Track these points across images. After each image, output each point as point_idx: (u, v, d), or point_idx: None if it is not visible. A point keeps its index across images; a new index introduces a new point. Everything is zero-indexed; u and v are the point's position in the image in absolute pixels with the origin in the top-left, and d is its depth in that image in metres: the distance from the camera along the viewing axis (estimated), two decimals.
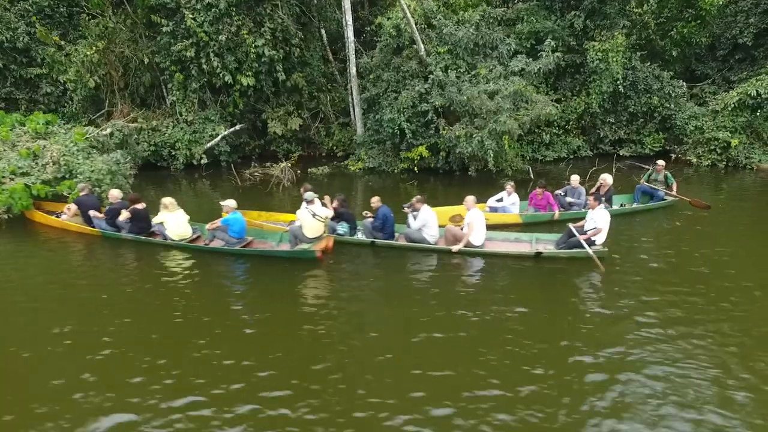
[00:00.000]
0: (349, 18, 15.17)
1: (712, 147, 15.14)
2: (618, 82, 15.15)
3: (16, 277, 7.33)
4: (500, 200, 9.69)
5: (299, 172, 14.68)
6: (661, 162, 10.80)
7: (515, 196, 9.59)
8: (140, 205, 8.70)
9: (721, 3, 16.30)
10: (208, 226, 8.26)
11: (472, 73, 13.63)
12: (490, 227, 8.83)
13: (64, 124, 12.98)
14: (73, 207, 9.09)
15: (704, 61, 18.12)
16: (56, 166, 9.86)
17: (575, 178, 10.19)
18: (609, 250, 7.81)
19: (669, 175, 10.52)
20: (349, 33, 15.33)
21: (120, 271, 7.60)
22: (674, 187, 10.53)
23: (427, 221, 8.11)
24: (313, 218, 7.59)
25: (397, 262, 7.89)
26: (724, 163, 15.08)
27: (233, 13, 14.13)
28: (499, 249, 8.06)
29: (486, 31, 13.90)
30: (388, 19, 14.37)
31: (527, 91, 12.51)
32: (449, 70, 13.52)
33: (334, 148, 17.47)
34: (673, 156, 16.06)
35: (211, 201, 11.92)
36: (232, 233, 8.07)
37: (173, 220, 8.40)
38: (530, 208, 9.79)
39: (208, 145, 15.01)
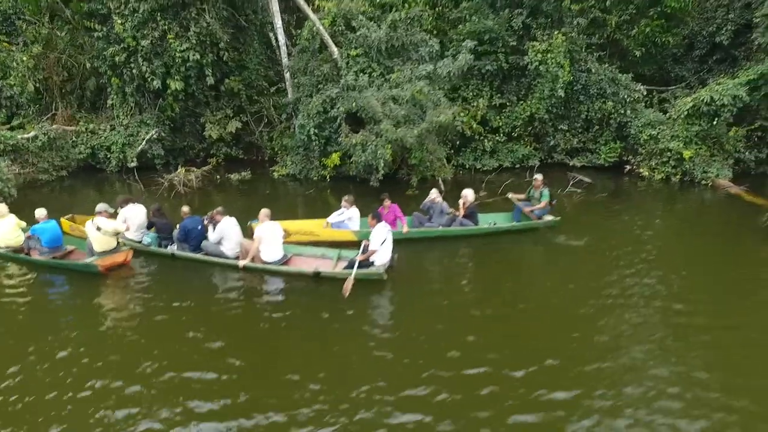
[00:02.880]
0: (278, 21, 14.89)
1: (665, 159, 13.52)
2: (559, 86, 13.83)
3: None
4: (342, 214, 9.03)
5: (218, 177, 14.60)
6: (538, 176, 9.67)
7: (354, 211, 8.91)
8: None
9: (687, 1, 14.47)
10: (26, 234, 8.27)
11: (386, 77, 12.93)
12: (327, 244, 8.31)
13: None
14: None
15: (682, 61, 16.29)
16: None
17: (434, 192, 9.33)
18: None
19: (545, 192, 9.37)
20: (280, 36, 15.06)
21: None
22: (543, 206, 9.37)
23: (225, 234, 7.71)
24: (96, 231, 7.37)
25: (188, 274, 7.56)
26: (679, 176, 13.41)
27: (158, 18, 14.23)
28: (283, 268, 7.54)
29: (403, 33, 13.10)
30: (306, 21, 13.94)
31: (424, 96, 11.62)
32: (362, 74, 12.91)
33: (278, 151, 17.24)
34: (627, 167, 14.53)
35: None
36: (45, 243, 8.01)
37: (1, 227, 8.45)
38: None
39: (138, 149, 15.24)
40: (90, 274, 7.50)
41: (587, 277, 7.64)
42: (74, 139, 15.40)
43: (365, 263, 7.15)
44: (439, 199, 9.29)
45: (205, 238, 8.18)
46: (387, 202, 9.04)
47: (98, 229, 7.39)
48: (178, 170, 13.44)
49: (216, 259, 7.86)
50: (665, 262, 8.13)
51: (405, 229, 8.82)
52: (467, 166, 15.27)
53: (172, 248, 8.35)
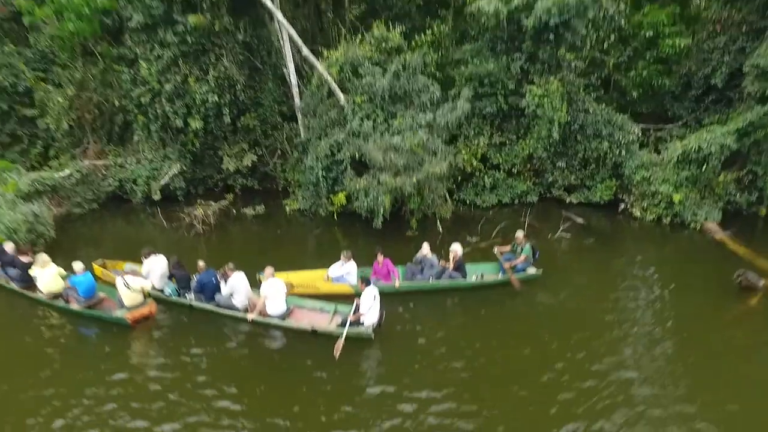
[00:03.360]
0: (291, 65, 15.90)
1: (657, 201, 14.12)
2: (555, 129, 14.52)
3: None
4: (342, 267, 9.99)
5: (235, 212, 15.72)
6: (519, 233, 10.47)
7: (351, 265, 9.87)
8: (25, 258, 10.09)
9: (682, 47, 14.98)
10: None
11: (389, 122, 13.84)
12: (325, 297, 9.30)
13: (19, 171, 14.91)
14: None
15: (680, 99, 16.77)
16: None
17: (425, 246, 10.23)
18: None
19: (527, 247, 10.17)
20: (292, 78, 16.07)
21: None
22: (522, 260, 10.16)
23: (235, 288, 8.76)
24: (125, 288, 8.49)
25: (204, 324, 8.66)
26: (669, 218, 14.00)
27: (180, 63, 15.42)
28: (285, 321, 8.55)
29: (405, 81, 13.97)
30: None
31: (421, 150, 12.49)
32: (367, 120, 13.83)
33: (291, 182, 18.28)
34: (621, 206, 15.15)
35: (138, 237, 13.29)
36: (81, 293, 9.18)
37: (43, 273, 9.67)
38: (374, 277, 9.96)
39: (162, 183, 16.47)
40: (116, 323, 8.65)
41: (549, 340, 8.40)
42: (104, 172, 16.70)
43: (355, 322, 8.08)
44: (431, 254, 10.16)
45: (219, 290, 9.23)
46: (380, 257, 9.97)
47: (125, 285, 8.50)
48: (197, 210, 14.51)
49: (227, 312, 8.90)
50: (632, 326, 8.85)
51: (397, 284, 9.74)
52: (468, 202, 16.06)
53: (190, 298, 9.43)
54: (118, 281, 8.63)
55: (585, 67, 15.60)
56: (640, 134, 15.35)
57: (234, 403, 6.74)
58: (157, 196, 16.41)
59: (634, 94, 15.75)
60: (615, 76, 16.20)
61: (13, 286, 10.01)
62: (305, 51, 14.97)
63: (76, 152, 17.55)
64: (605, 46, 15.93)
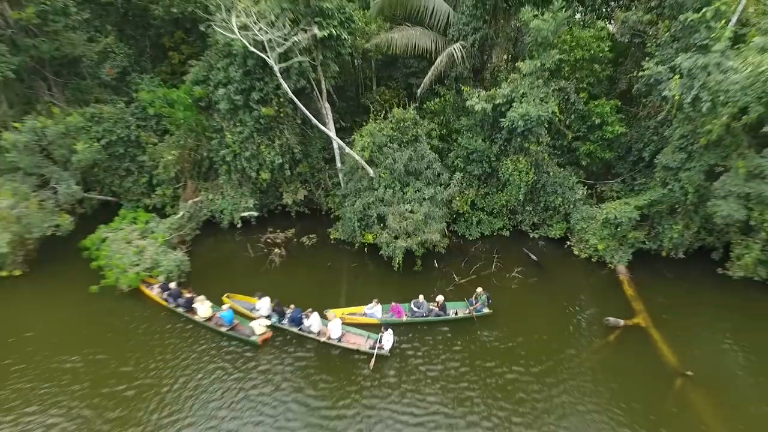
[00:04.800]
0: (333, 134, 21.86)
1: (589, 246, 20.41)
2: (522, 190, 20.57)
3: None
4: (373, 308, 16.94)
5: (296, 241, 22.53)
6: (479, 289, 17.17)
7: (378, 307, 16.82)
8: (185, 292, 17.32)
9: (619, 133, 20.46)
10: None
11: (404, 190, 20.11)
12: (353, 323, 16.39)
13: (152, 217, 21.74)
14: (158, 289, 17.97)
15: (622, 161, 22.37)
16: (150, 260, 18.72)
17: (421, 296, 17.05)
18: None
19: (483, 297, 16.90)
20: (335, 143, 22.11)
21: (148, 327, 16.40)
22: (479, 305, 16.89)
23: (312, 323, 15.89)
24: (258, 325, 15.66)
25: (294, 344, 15.88)
26: (596, 258, 20.34)
27: (255, 135, 21.62)
28: (340, 341, 15.70)
29: (416, 162, 20.05)
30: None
31: (420, 223, 18.86)
32: (388, 189, 20.11)
33: (331, 208, 24.85)
34: (567, 243, 21.46)
35: (233, 265, 20.38)
36: (226, 321, 16.40)
37: (201, 306, 16.89)
38: (390, 313, 16.91)
39: (242, 215, 23.23)
40: (249, 344, 15.88)
41: (480, 353, 15.35)
42: (200, 206, 23.53)
43: (380, 347, 15.05)
44: (423, 300, 16.99)
45: (302, 322, 16.34)
46: (393, 304, 16.85)
47: (256, 319, 15.68)
48: (273, 237, 21.37)
49: (309, 335, 16.02)
50: (538, 344, 15.71)
51: (404, 318, 16.69)
52: (459, 234, 22.49)
53: (285, 325, 16.59)
54: (255, 323, 15.80)
55: (551, 139, 21.12)
56: (585, 194, 21.30)
57: (311, 392, 13.93)
58: (239, 224, 23.26)
59: (584, 162, 21.47)
60: (574, 144, 21.79)
61: (180, 310, 17.32)
62: (342, 144, 20.85)
63: (176, 187, 24.32)
64: (567, 122, 21.43)
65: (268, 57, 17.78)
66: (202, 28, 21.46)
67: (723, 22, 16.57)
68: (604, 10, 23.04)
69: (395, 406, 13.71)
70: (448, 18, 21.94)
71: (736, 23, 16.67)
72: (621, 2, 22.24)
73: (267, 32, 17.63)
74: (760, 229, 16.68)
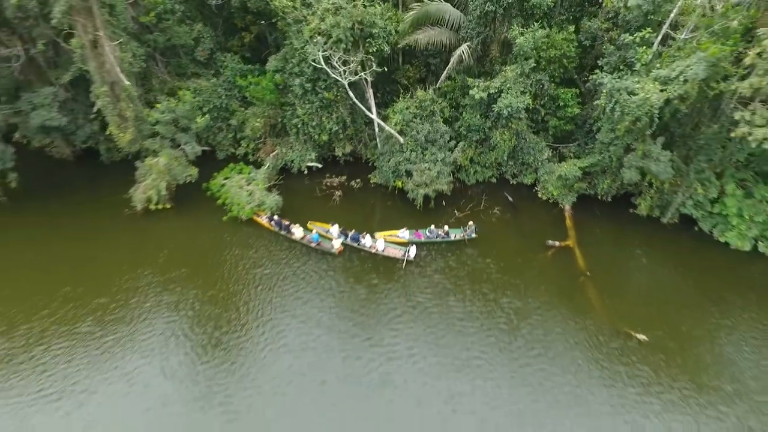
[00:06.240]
0: (374, 108, 30.68)
1: (548, 192, 30.11)
2: (506, 152, 29.87)
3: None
4: (403, 232, 27.28)
5: (345, 181, 32.38)
6: (470, 222, 27.24)
7: (406, 231, 27.15)
8: (285, 221, 27.75)
9: (576, 114, 29.12)
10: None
11: (424, 154, 29.50)
12: (391, 242, 26.94)
13: (252, 169, 31.52)
14: (266, 219, 28.35)
15: (579, 129, 31.20)
16: (258, 199, 28.88)
17: (432, 225, 27.27)
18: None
19: (473, 227, 27.04)
20: (375, 120, 31.02)
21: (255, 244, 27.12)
22: (469, 231, 27.16)
23: (368, 239, 26.39)
24: (337, 241, 26.18)
25: (355, 254, 26.56)
26: (552, 200, 30.12)
27: (319, 110, 30.63)
28: (383, 252, 26.30)
29: (432, 134, 29.20)
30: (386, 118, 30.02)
31: (434, 177, 28.44)
32: (413, 152, 29.50)
33: (369, 159, 34.31)
34: (535, 189, 31.14)
35: (304, 200, 30.58)
36: (314, 240, 26.92)
37: (297, 230, 27.36)
38: (414, 235, 27.29)
39: (308, 164, 32.91)
40: (329, 254, 26.49)
41: (470, 264, 25.90)
42: (278, 158, 33.16)
43: (408, 256, 25.58)
44: (435, 228, 27.23)
45: (360, 240, 26.81)
46: (415, 230, 27.12)
47: (335, 238, 26.17)
48: (333, 181, 31.36)
49: (364, 248, 26.54)
50: (499, 255, 26.25)
51: (422, 238, 27.06)
52: (461, 180, 32.17)
53: (348, 242, 27.11)
54: (335, 241, 26.28)
55: (528, 115, 29.84)
56: (550, 154, 30.53)
57: (369, 279, 24.66)
58: (305, 171, 33.02)
59: (551, 132, 30.41)
60: (545, 118, 30.52)
61: (282, 233, 27.83)
62: (381, 123, 29.85)
63: (257, 142, 33.82)
64: (542, 102, 30.03)
65: (329, 69, 26.48)
66: (273, 21, 29.74)
67: (644, 48, 24.75)
68: (574, 17, 30.21)
69: (417, 283, 24.43)
70: (459, 21, 29.60)
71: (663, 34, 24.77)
72: (588, 12, 29.49)
73: (330, 51, 26.13)
74: (650, 187, 26.23)
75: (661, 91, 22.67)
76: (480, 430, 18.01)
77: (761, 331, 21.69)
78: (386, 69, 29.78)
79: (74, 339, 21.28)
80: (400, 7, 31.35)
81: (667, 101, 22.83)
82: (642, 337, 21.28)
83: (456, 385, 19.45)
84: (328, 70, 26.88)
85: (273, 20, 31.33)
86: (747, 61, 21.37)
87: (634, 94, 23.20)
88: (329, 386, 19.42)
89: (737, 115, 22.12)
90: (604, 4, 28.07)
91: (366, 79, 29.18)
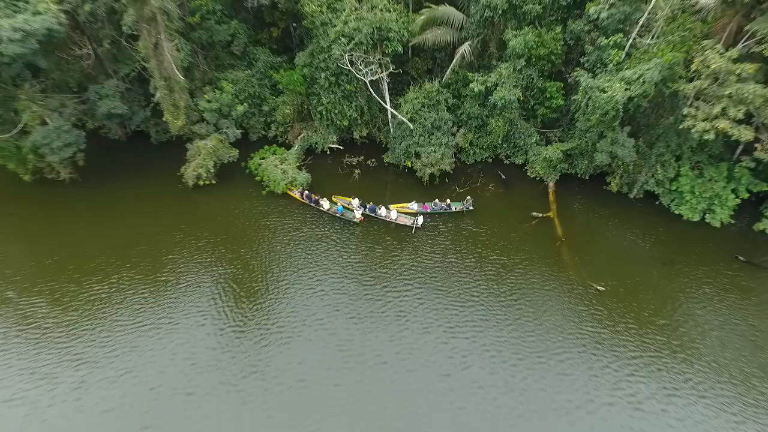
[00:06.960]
0: (387, 97, 35.86)
1: (536, 170, 35.51)
2: (500, 136, 35.17)
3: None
4: (413, 204, 32.90)
5: (362, 160, 37.82)
6: (468, 197, 32.78)
7: (415, 204, 32.80)
8: (314, 195, 33.38)
9: (562, 104, 34.26)
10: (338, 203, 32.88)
11: (431, 139, 34.82)
12: (402, 212, 32.66)
13: (284, 150, 36.97)
14: (297, 193, 33.96)
15: (564, 117, 36.37)
16: (291, 177, 34.43)
17: (437, 199, 32.87)
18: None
19: (470, 201, 32.61)
20: (389, 109, 36.25)
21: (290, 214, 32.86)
22: (467, 204, 32.75)
23: (383, 210, 32.09)
24: (357, 211, 31.86)
25: (373, 222, 32.30)
26: (539, 178, 35.53)
27: (341, 99, 35.86)
28: (396, 221, 32.05)
29: (438, 120, 34.47)
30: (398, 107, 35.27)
31: (439, 158, 33.84)
32: (421, 136, 34.83)
33: (382, 141, 39.57)
34: (526, 168, 36.54)
35: (329, 177, 36.10)
36: (339, 211, 32.58)
37: (324, 203, 33.01)
38: (421, 207, 32.91)
39: (330, 145, 38.30)
40: (352, 222, 32.18)
41: (465, 234, 31.59)
42: (304, 140, 38.53)
43: (417, 224, 31.26)
44: (439, 201, 32.81)
45: (376, 210, 32.46)
46: (422, 203, 32.72)
47: (356, 209, 31.84)
48: (352, 160, 36.85)
49: (380, 217, 32.21)
50: (494, 223, 31.93)
51: (428, 210, 32.68)
52: (461, 160, 37.56)
53: (367, 212, 32.77)
54: (356, 211, 31.93)
55: (520, 105, 34.94)
56: (538, 139, 35.81)
57: (384, 242, 30.40)
58: (327, 151, 38.45)
59: (539, 119, 35.60)
60: (534, 107, 35.65)
61: (312, 205, 33.50)
62: (394, 112, 35.12)
63: (286, 126, 39.16)
64: (532, 94, 35.12)
65: (353, 70, 31.63)
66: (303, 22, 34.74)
67: (616, 51, 29.76)
68: (561, 18, 34.86)
69: (424, 245, 30.17)
70: (462, 22, 34.43)
71: (634, 38, 29.71)
72: (574, 15, 34.18)
73: (352, 53, 31.21)
74: (619, 168, 31.71)
75: (626, 90, 27.81)
76: (470, 345, 24.19)
77: (695, 281, 27.47)
78: (399, 65, 34.83)
79: (156, 285, 27.28)
80: (410, 7, 36.11)
81: (630, 98, 27.98)
82: (601, 287, 27.09)
83: (454, 319, 25.48)
84: (353, 70, 31.92)
85: (301, 20, 36.18)
86: (693, 66, 26.42)
87: (604, 92, 28.35)
88: (358, 319, 25.44)
89: (685, 111, 27.29)
90: (586, 9, 32.81)
91: (382, 77, 34.27)
